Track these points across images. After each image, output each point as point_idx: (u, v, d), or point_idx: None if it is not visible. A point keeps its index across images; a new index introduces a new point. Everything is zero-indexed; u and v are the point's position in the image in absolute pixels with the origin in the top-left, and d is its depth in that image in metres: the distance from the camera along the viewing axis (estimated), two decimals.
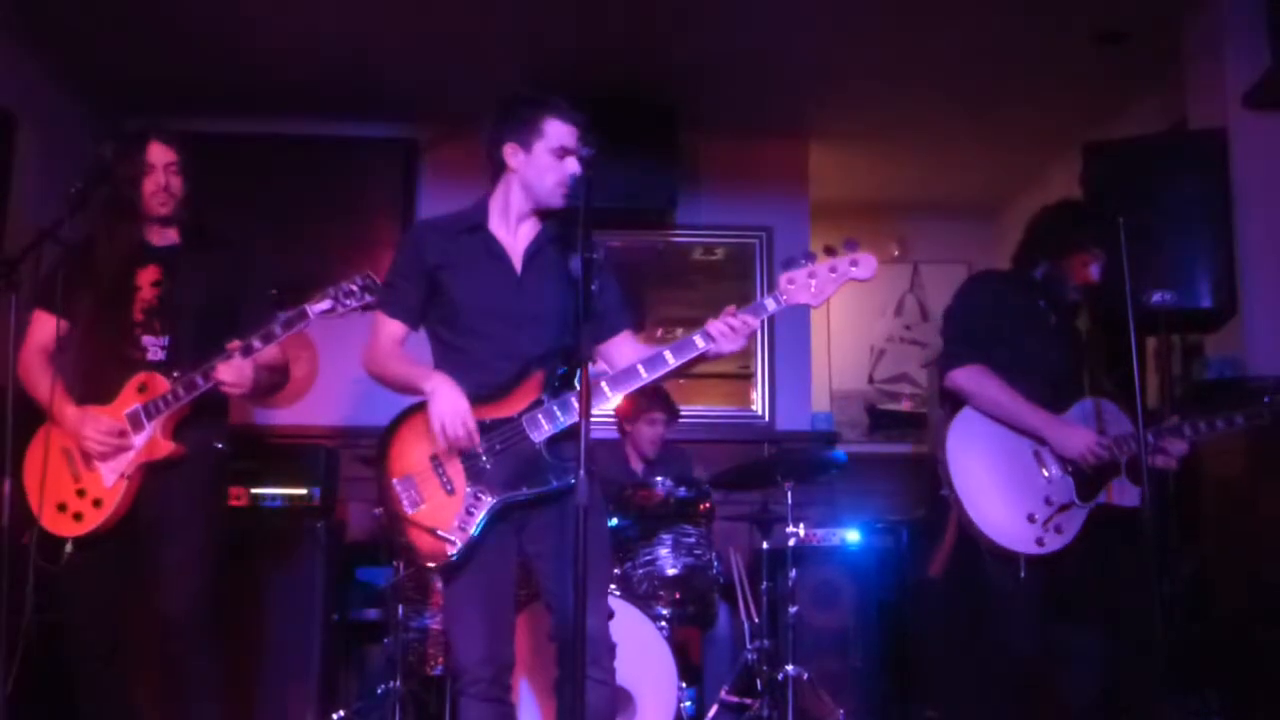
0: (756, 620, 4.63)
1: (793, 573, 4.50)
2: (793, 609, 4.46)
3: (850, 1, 4.87)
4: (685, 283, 6.22)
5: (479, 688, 2.82)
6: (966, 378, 3.43)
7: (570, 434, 2.82)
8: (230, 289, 3.46)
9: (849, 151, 6.50)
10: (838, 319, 7.45)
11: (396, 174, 6.00)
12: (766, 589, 4.56)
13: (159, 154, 3.34)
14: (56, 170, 4.93)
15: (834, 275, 2.85)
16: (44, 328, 3.34)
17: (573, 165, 2.92)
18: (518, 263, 2.99)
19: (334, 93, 5.71)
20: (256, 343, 3.18)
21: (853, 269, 2.87)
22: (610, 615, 2.94)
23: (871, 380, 7.56)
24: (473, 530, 2.81)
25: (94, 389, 3.30)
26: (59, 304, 3.29)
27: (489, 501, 2.82)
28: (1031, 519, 3.32)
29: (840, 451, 5.12)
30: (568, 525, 2.71)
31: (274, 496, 4.73)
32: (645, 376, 2.84)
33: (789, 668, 4.36)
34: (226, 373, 3.16)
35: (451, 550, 2.81)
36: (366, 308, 3.13)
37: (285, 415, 5.80)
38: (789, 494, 4.51)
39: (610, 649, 2.86)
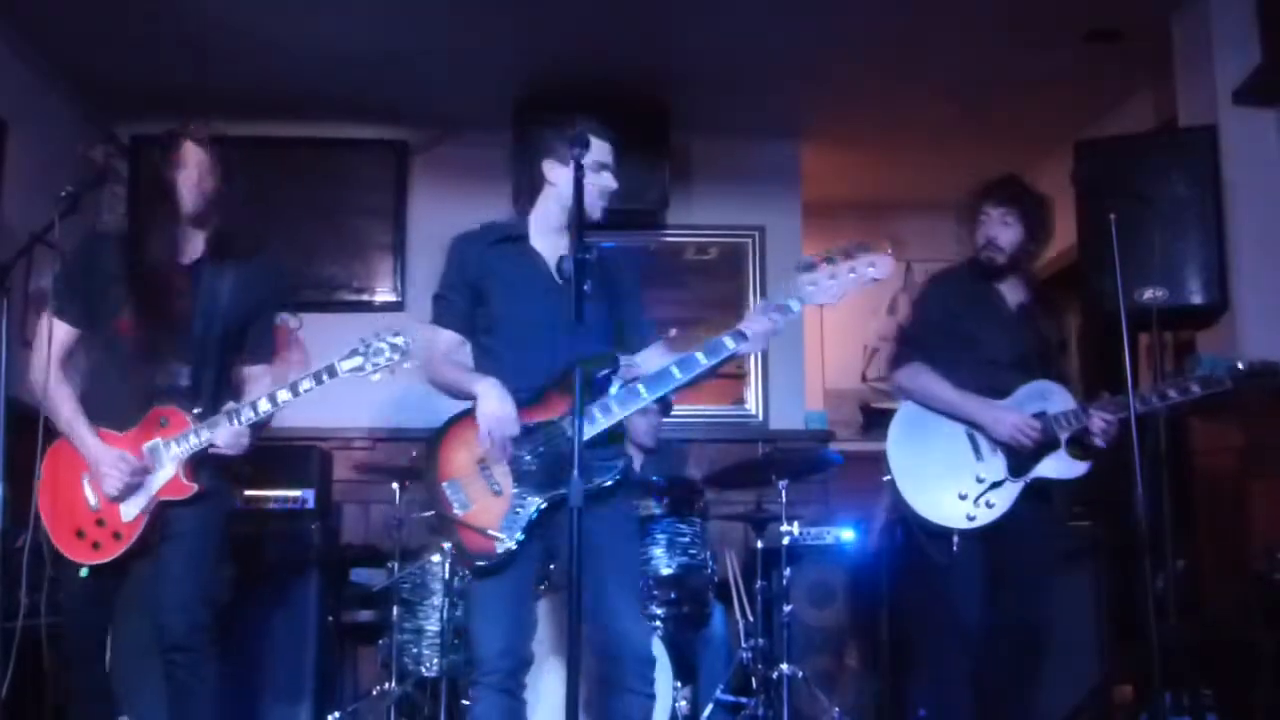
0: (751, 619, 4.63)
1: (787, 571, 4.50)
2: (787, 608, 4.46)
3: (843, 2, 4.88)
4: (678, 282, 6.21)
5: (494, 679, 2.90)
6: (904, 377, 3.73)
7: (610, 434, 2.96)
8: (247, 310, 3.40)
9: (841, 151, 6.51)
10: (831, 318, 7.46)
11: (387, 176, 6.00)
12: (761, 588, 4.55)
13: (193, 153, 3.27)
14: (48, 175, 4.91)
15: (854, 276, 2.94)
16: (57, 336, 3.24)
17: (609, 180, 3.09)
18: (559, 274, 3.06)
19: (325, 95, 5.70)
20: (284, 393, 3.19)
21: (870, 270, 2.96)
22: (648, 631, 3.08)
23: (865, 379, 7.57)
24: (520, 527, 2.91)
25: (108, 409, 3.25)
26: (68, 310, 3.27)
27: (535, 501, 2.92)
28: (962, 496, 3.55)
29: (835, 452, 5.12)
30: (604, 530, 2.88)
31: (268, 498, 4.72)
32: (680, 378, 2.93)
33: (784, 666, 4.36)
34: (221, 438, 3.18)
35: (500, 548, 2.90)
36: (394, 367, 3.16)
37: (280, 417, 5.76)
38: (783, 493, 4.51)
39: (651, 663, 2.96)
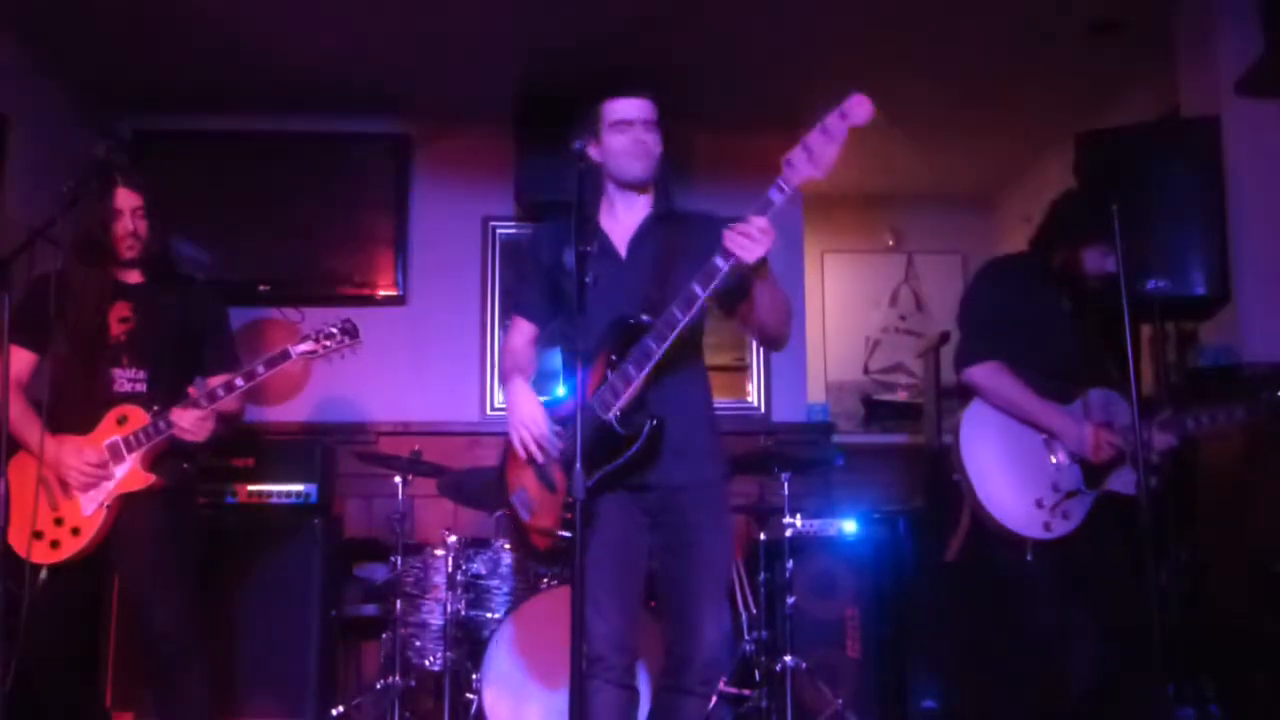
0: (754, 611, 4.63)
1: (790, 563, 4.51)
2: (790, 600, 4.47)
3: None
4: None
5: (612, 674, 2.86)
6: (982, 376, 3.51)
7: (636, 402, 2.86)
8: (195, 327, 3.55)
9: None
10: (833, 310, 7.46)
11: (389, 169, 5.99)
12: (764, 580, 4.56)
13: (126, 199, 3.40)
14: (50, 169, 4.92)
15: (828, 136, 2.73)
16: (17, 361, 3.37)
17: (636, 133, 3.04)
18: (623, 249, 3.05)
19: (327, 88, 5.69)
20: (239, 380, 3.29)
21: (844, 120, 2.75)
22: (725, 633, 2.95)
23: (867, 371, 7.57)
24: (571, 521, 2.86)
25: (68, 421, 3.36)
26: (32, 337, 3.38)
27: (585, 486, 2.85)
28: (1039, 504, 3.41)
29: (838, 453, 5.13)
30: (704, 524, 2.94)
31: (271, 493, 4.73)
32: (682, 318, 2.78)
33: (787, 658, 4.37)
34: (184, 420, 3.27)
35: (557, 543, 2.93)
36: (344, 348, 3.34)
37: (282, 412, 5.80)
38: (785, 485, 4.52)
39: (717, 664, 2.92)
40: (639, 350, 2.81)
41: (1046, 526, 3.40)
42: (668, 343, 2.80)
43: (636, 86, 3.11)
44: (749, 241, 2.72)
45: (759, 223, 2.73)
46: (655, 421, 2.83)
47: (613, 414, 2.83)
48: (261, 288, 5.74)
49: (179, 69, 5.44)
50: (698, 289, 2.76)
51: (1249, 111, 4.59)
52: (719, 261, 2.75)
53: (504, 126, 5.71)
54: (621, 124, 3.03)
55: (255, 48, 5.26)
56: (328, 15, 5.00)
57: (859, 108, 2.77)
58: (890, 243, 7.58)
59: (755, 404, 6.12)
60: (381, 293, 5.90)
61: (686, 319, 2.78)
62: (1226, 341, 4.53)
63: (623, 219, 3.08)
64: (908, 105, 5.96)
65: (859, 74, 5.60)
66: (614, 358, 2.86)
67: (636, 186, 3.09)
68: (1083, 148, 4.55)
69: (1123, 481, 3.46)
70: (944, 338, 6.27)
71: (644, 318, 2.85)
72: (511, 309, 3.16)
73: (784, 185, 2.73)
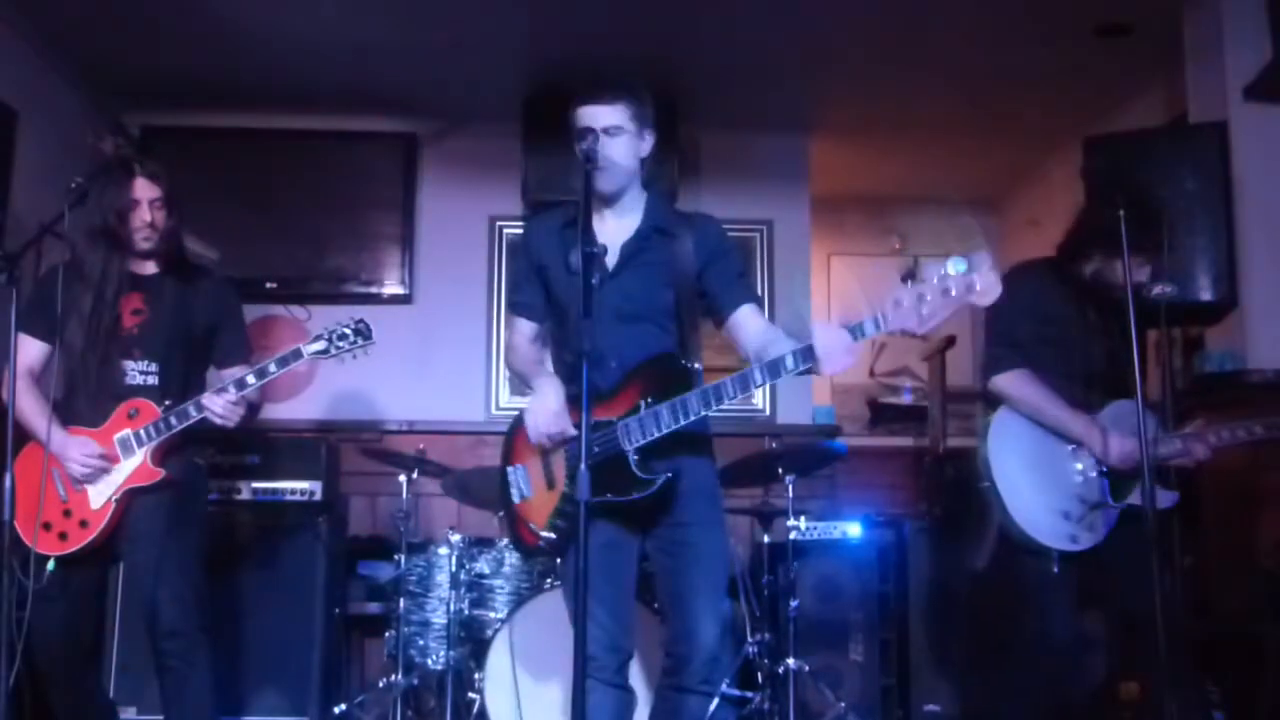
0: (757, 614, 4.63)
1: (794, 566, 4.50)
2: (793, 602, 4.46)
3: None
4: None
5: (605, 674, 2.87)
6: (1009, 383, 3.45)
7: (660, 446, 2.83)
8: (209, 318, 3.53)
9: (849, 144, 6.50)
10: (839, 312, 7.44)
11: (397, 168, 6.00)
12: (767, 582, 4.56)
13: (144, 190, 3.37)
14: (58, 165, 4.93)
15: (947, 299, 2.53)
16: (28, 351, 3.36)
17: (591, 143, 2.78)
18: (611, 259, 2.93)
19: (334, 87, 5.71)
20: (251, 378, 3.27)
21: (970, 294, 2.51)
22: (723, 630, 2.93)
23: (872, 374, 7.57)
24: (561, 525, 2.90)
25: (80, 414, 3.35)
26: (43, 328, 3.36)
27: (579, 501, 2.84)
28: (1066, 516, 3.37)
29: (840, 442, 5.11)
30: (696, 522, 2.90)
31: (276, 490, 4.73)
32: (734, 395, 2.75)
33: (790, 661, 4.36)
34: (216, 405, 3.25)
35: (538, 542, 2.95)
36: (356, 349, 3.29)
37: (288, 409, 5.80)
38: (790, 488, 4.51)
39: (717, 661, 2.90)
40: (681, 404, 2.78)
41: (1073, 539, 3.35)
42: (708, 408, 2.77)
43: (600, 87, 2.88)
44: (837, 352, 2.62)
45: (847, 340, 2.62)
46: (671, 475, 2.81)
47: (632, 450, 2.81)
48: (268, 285, 5.75)
49: (188, 66, 5.45)
50: (760, 376, 2.73)
51: (1257, 117, 4.58)
52: (790, 361, 2.68)
53: (511, 126, 5.71)
54: (583, 132, 2.81)
55: (264, 46, 5.27)
56: (336, 14, 5.01)
57: (989, 286, 2.52)
58: (896, 245, 7.57)
59: (760, 406, 6.11)
60: (388, 292, 5.92)
61: (738, 396, 2.76)
62: (1233, 347, 4.52)
63: (612, 226, 2.98)
64: (914, 107, 5.97)
65: (867, 76, 5.65)
66: (650, 399, 2.82)
67: (604, 200, 2.96)
68: (1090, 152, 4.54)
69: (1142, 495, 3.38)
70: (949, 341, 6.28)
71: (696, 365, 2.85)
72: (509, 308, 3.13)
73: (881, 322, 2.60)
